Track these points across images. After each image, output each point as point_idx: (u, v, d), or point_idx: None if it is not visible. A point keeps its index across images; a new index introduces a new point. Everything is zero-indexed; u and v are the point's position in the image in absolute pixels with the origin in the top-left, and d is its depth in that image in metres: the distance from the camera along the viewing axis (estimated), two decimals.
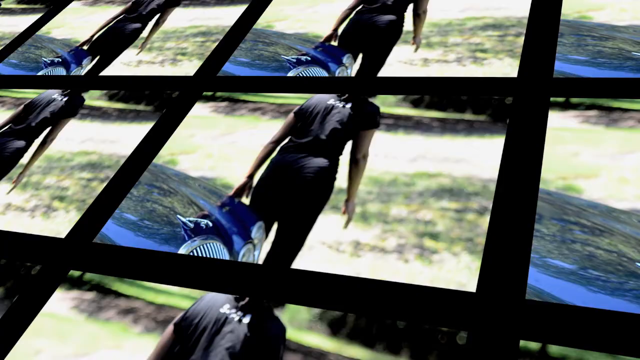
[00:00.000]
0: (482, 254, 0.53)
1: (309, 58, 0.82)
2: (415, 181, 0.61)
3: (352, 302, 0.52)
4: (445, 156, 0.63)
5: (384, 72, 0.76)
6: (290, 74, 0.80)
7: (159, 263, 0.61)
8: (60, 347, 0.57)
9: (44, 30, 1.10)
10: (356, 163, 0.65)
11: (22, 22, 1.16)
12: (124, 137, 0.79)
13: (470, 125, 0.66)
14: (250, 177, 0.67)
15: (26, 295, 0.62)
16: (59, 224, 0.70)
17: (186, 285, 0.58)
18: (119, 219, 0.68)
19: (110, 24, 1.05)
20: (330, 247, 0.58)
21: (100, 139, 0.80)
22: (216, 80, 0.82)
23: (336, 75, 0.78)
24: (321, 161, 0.66)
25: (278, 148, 0.70)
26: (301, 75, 0.79)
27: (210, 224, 0.63)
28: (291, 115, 0.74)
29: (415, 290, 0.52)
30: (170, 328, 0.56)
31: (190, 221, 0.64)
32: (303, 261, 0.57)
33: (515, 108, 0.66)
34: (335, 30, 0.86)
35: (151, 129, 0.78)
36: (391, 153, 0.65)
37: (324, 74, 0.79)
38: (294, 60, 0.82)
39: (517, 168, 0.59)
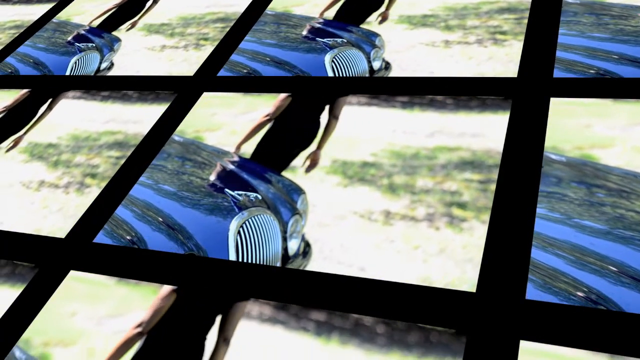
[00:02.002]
0: (482, 254, 0.50)
1: (344, 40, 0.79)
2: (436, 154, 0.59)
3: (351, 302, 0.49)
4: (462, 131, 0.61)
5: (404, 56, 0.73)
6: (327, 57, 0.77)
7: (159, 263, 0.58)
8: (95, 309, 0.55)
9: (63, 17, 1.06)
10: (336, 118, 0.67)
11: (39, 11, 1.12)
12: (146, 118, 0.76)
13: (483, 102, 0.64)
14: (238, 147, 0.67)
15: (28, 293, 0.59)
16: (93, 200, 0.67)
17: (188, 285, 0.55)
18: (158, 190, 0.65)
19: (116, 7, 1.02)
20: (362, 216, 0.55)
21: (123, 120, 0.77)
22: (216, 81, 0.79)
23: (371, 56, 0.75)
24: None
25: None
26: (338, 57, 0.76)
27: (260, 197, 0.60)
28: (284, 95, 0.73)
29: (415, 290, 0.49)
30: (169, 287, 0.55)
31: (239, 194, 0.61)
32: (336, 231, 0.55)
33: (519, 89, 0.64)
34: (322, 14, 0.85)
35: (164, 113, 0.75)
36: (409, 129, 0.63)
37: (361, 55, 0.76)
38: (330, 43, 0.79)
39: (517, 160, 0.57)
